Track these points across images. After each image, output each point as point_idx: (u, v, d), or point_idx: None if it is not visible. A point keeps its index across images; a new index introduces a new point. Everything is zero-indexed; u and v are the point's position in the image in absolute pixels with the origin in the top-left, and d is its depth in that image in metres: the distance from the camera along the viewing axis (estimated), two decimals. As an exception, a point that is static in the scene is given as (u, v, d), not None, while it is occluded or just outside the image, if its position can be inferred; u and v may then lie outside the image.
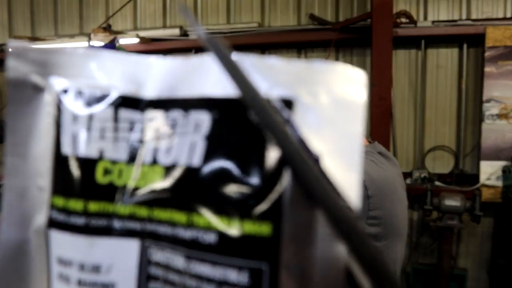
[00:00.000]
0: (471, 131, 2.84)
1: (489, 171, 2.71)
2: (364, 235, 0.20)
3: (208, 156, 0.28)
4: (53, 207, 0.32)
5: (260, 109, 0.23)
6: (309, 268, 0.26)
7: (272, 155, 0.26)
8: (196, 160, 0.28)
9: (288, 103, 0.26)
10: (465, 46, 2.81)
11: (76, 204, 0.31)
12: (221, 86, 0.28)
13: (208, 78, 0.29)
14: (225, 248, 0.26)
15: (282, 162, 0.26)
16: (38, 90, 0.33)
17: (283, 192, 0.26)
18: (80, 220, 0.31)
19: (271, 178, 0.26)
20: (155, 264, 0.30)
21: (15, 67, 0.32)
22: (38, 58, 0.32)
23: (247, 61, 0.27)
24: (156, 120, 0.31)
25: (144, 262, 0.31)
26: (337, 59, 2.95)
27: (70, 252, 0.31)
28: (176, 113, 0.30)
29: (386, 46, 2.53)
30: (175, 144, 0.29)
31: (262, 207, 0.26)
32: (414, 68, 2.90)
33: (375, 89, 2.53)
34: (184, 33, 3.07)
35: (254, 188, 0.26)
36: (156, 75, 0.32)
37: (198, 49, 2.93)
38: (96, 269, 0.31)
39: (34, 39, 3.28)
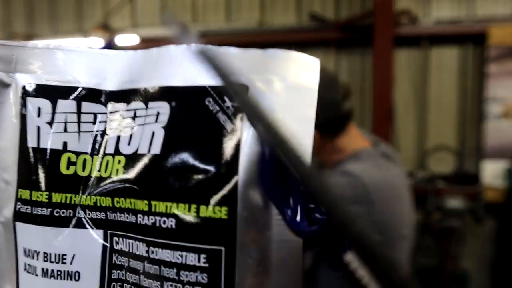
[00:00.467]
0: (473, 131, 2.81)
1: (492, 172, 2.69)
2: (377, 245, 0.18)
3: (168, 145, 0.28)
4: (19, 199, 0.32)
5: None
6: (267, 251, 0.27)
7: (230, 143, 0.27)
8: (156, 149, 0.29)
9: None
10: (468, 45, 2.80)
11: (40, 196, 0.31)
12: (180, 76, 0.29)
13: (168, 68, 0.30)
14: (183, 233, 0.27)
15: (238, 150, 0.27)
16: (2, 85, 0.33)
17: (239, 179, 0.26)
18: (44, 211, 0.31)
19: (228, 166, 0.27)
20: (119, 252, 0.30)
21: None
22: (1, 54, 0.33)
23: (206, 51, 0.28)
24: (118, 112, 0.31)
25: (108, 250, 0.31)
26: (338, 58, 2.94)
27: (35, 243, 0.32)
28: (137, 104, 0.30)
29: (387, 45, 2.52)
30: (136, 134, 0.30)
31: (219, 193, 0.26)
32: (416, 67, 2.89)
33: (376, 89, 2.52)
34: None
35: (211, 175, 0.27)
36: (118, 68, 0.32)
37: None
38: (60, 258, 0.31)
39: (31, 36, 3.29)
